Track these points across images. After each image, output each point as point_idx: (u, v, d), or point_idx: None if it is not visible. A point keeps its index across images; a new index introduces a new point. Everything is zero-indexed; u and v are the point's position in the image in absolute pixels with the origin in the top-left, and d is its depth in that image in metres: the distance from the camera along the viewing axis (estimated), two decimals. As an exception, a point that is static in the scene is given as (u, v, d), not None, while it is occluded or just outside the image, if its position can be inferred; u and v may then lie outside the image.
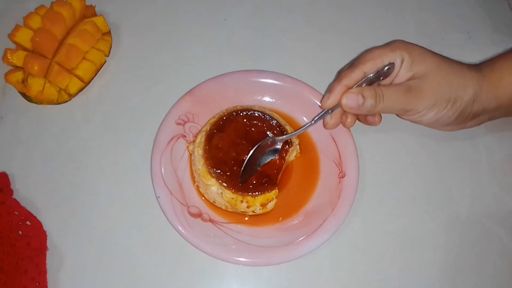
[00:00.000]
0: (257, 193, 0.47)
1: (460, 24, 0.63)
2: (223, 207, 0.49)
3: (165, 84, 0.57)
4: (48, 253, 0.48)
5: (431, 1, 0.64)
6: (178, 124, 0.52)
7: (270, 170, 0.49)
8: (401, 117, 0.51)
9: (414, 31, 0.62)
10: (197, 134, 0.52)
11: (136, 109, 0.56)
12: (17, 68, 0.55)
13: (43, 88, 0.53)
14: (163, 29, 0.61)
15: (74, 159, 0.53)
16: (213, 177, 0.48)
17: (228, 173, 0.48)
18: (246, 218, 0.50)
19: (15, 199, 0.50)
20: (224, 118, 0.51)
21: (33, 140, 0.54)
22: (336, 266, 0.49)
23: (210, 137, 0.50)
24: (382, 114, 0.51)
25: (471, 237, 0.51)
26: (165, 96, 0.55)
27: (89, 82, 0.57)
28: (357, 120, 0.51)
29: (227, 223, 0.49)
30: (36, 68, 0.52)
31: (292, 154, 0.52)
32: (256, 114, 0.51)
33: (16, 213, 0.49)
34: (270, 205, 0.48)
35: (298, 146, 0.52)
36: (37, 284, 0.46)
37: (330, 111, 0.48)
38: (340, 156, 0.51)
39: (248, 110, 0.51)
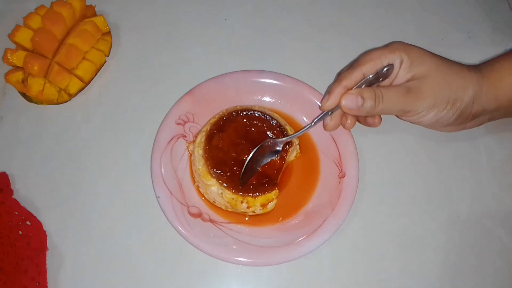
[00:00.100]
0: (257, 193, 0.47)
1: (460, 24, 0.63)
2: (223, 207, 0.49)
3: (165, 84, 0.57)
4: (48, 253, 0.48)
5: (431, 1, 0.64)
6: (178, 124, 0.52)
7: (270, 170, 0.49)
8: (400, 118, 0.51)
9: (414, 31, 0.62)
10: (197, 134, 0.52)
11: (136, 109, 0.56)
12: (17, 68, 0.55)
13: (43, 88, 0.53)
14: (163, 29, 0.61)
15: (74, 159, 0.53)
16: (213, 177, 0.48)
17: (228, 173, 0.48)
18: (246, 218, 0.50)
19: (15, 199, 0.50)
20: (224, 118, 0.51)
21: (33, 140, 0.54)
22: (336, 266, 0.49)
23: (210, 137, 0.50)
24: (382, 115, 0.51)
25: (471, 237, 0.51)
26: (165, 96, 0.55)
27: (89, 82, 0.57)
28: (357, 122, 0.51)
29: (227, 223, 0.49)
30: (36, 68, 0.52)
31: (292, 154, 0.52)
32: (256, 114, 0.51)
33: (16, 213, 0.49)
34: (270, 205, 0.48)
35: (298, 146, 0.52)
36: (37, 284, 0.46)
37: (330, 113, 0.48)
38: (340, 156, 0.51)
39: (248, 110, 0.51)
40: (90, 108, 0.56)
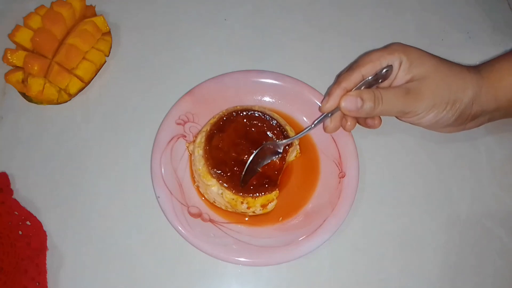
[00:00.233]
0: (257, 194, 0.47)
1: (460, 24, 0.63)
2: (223, 207, 0.49)
3: (165, 84, 0.57)
4: (48, 253, 0.48)
5: (431, 1, 0.64)
6: (178, 124, 0.52)
7: (270, 171, 0.49)
8: (400, 119, 0.51)
9: (414, 31, 0.62)
10: (197, 134, 0.52)
11: (136, 109, 0.56)
12: (17, 68, 0.55)
13: (43, 88, 0.53)
14: (163, 29, 0.61)
15: (74, 159, 0.53)
16: (214, 177, 0.48)
17: (228, 174, 0.48)
18: (246, 218, 0.50)
19: (15, 199, 0.50)
20: (224, 118, 0.51)
21: (33, 140, 0.54)
22: (336, 266, 0.49)
23: (210, 137, 0.50)
24: (381, 117, 0.51)
25: (471, 237, 0.51)
26: (165, 96, 0.55)
27: (89, 82, 0.57)
28: (357, 123, 0.51)
29: (227, 223, 0.49)
30: (36, 68, 0.52)
31: (292, 154, 0.52)
32: (256, 114, 0.51)
33: (16, 213, 0.49)
34: (271, 206, 0.48)
35: (298, 146, 0.52)
36: (37, 284, 0.46)
37: (329, 115, 0.48)
38: (340, 156, 0.51)
39: (248, 110, 0.51)
40: (90, 108, 0.56)
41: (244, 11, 0.62)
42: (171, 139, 0.52)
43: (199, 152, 0.49)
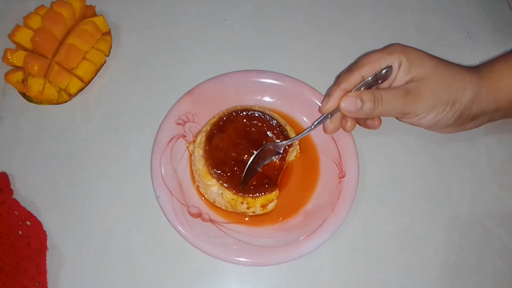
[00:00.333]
0: (257, 194, 0.47)
1: (460, 24, 0.63)
2: (223, 207, 0.49)
3: (165, 84, 0.57)
4: (48, 253, 0.48)
5: (431, 1, 0.64)
6: (178, 124, 0.52)
7: (270, 171, 0.49)
8: (400, 120, 0.51)
9: (414, 31, 0.62)
10: (197, 134, 0.52)
11: (136, 109, 0.56)
12: (17, 68, 0.55)
13: (43, 88, 0.53)
14: (163, 29, 0.61)
15: (74, 159, 0.53)
16: (214, 177, 0.48)
17: (228, 174, 0.48)
18: (246, 218, 0.50)
19: (15, 199, 0.50)
20: (224, 118, 0.51)
21: (33, 140, 0.54)
22: (336, 266, 0.49)
23: (210, 137, 0.50)
24: (381, 117, 0.51)
25: (471, 237, 0.51)
26: (165, 96, 0.55)
27: (89, 82, 0.57)
28: (357, 124, 0.51)
29: (227, 223, 0.49)
30: (36, 68, 0.52)
31: (292, 154, 0.52)
32: (256, 114, 0.51)
33: (16, 213, 0.49)
34: (271, 206, 0.48)
35: (298, 146, 0.52)
36: (37, 284, 0.46)
37: (329, 116, 0.48)
38: (340, 156, 0.51)
39: (248, 110, 0.51)
40: (90, 108, 0.56)
41: (244, 11, 0.62)
42: (171, 139, 0.52)
43: (199, 152, 0.49)
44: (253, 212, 0.49)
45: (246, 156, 0.49)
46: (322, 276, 0.49)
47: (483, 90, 0.47)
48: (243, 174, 0.47)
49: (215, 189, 0.48)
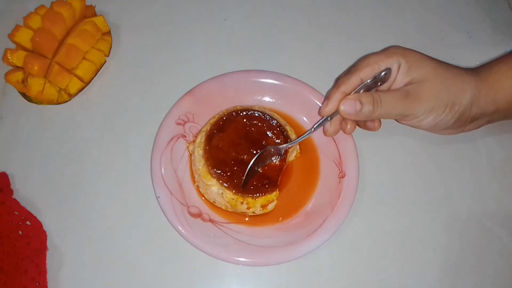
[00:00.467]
0: (257, 194, 0.47)
1: (460, 24, 0.63)
2: (223, 207, 0.49)
3: (165, 84, 0.57)
4: (48, 253, 0.48)
5: (431, 1, 0.64)
6: (178, 124, 0.52)
7: (270, 171, 0.49)
8: (400, 122, 0.51)
9: (414, 31, 0.62)
10: (197, 134, 0.52)
11: (136, 109, 0.56)
12: (17, 68, 0.55)
13: (43, 88, 0.53)
14: (163, 29, 0.61)
15: (74, 159, 0.53)
16: (214, 177, 0.48)
17: (228, 173, 0.48)
18: (246, 218, 0.50)
19: (15, 199, 0.50)
20: (224, 118, 0.51)
21: (33, 140, 0.54)
22: (336, 266, 0.49)
23: (210, 137, 0.50)
24: (381, 119, 0.51)
25: (471, 237, 0.51)
26: (165, 96, 0.55)
27: (89, 82, 0.57)
28: (357, 126, 0.51)
29: (227, 223, 0.49)
30: (36, 68, 0.52)
31: (292, 154, 0.52)
32: (256, 114, 0.51)
33: (16, 213, 0.49)
34: (271, 206, 0.48)
35: (298, 146, 0.52)
36: (37, 284, 0.46)
37: (329, 118, 0.48)
38: (340, 156, 0.51)
39: (248, 110, 0.51)
40: (90, 108, 0.56)
41: (244, 11, 0.62)
42: (171, 139, 0.52)
43: (199, 152, 0.49)
44: (253, 212, 0.49)
45: (246, 156, 0.49)
46: (322, 276, 0.49)
47: (482, 91, 0.47)
48: (244, 177, 0.47)
49: (215, 189, 0.48)
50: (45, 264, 0.47)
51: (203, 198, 0.50)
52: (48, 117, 0.55)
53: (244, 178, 0.47)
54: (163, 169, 0.50)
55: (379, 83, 0.48)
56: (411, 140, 0.55)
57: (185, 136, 0.53)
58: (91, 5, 0.60)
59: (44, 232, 0.48)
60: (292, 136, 0.52)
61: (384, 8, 0.64)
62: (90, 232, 0.50)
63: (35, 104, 0.55)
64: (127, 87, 0.57)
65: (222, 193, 0.48)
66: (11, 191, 0.50)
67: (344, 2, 0.64)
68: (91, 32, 0.55)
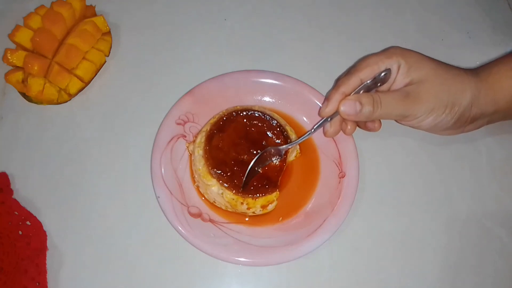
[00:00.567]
0: (258, 195, 0.47)
1: (460, 24, 0.63)
2: (223, 207, 0.49)
3: (165, 84, 0.57)
4: (48, 253, 0.48)
5: (431, 1, 0.64)
6: (178, 124, 0.52)
7: (271, 172, 0.49)
8: (400, 123, 0.51)
9: (414, 31, 0.62)
10: (197, 134, 0.52)
11: (136, 109, 0.56)
12: (17, 68, 0.55)
13: (43, 88, 0.53)
14: (163, 29, 0.61)
15: (74, 159, 0.53)
16: (214, 177, 0.48)
17: (228, 173, 0.48)
18: (246, 219, 0.50)
19: (15, 199, 0.50)
20: (224, 118, 0.51)
21: (33, 140, 0.54)
22: (336, 266, 0.49)
23: (210, 137, 0.50)
24: (381, 120, 0.51)
25: (471, 237, 0.51)
26: (165, 96, 0.55)
27: (89, 82, 0.57)
28: (357, 127, 0.51)
29: (227, 223, 0.49)
30: (36, 68, 0.52)
31: (292, 154, 0.52)
32: (256, 114, 0.51)
33: (16, 213, 0.49)
34: (271, 207, 0.48)
35: (298, 146, 0.52)
36: (37, 284, 0.46)
37: (329, 119, 0.48)
38: (340, 156, 0.51)
39: (248, 110, 0.51)
40: (90, 108, 0.56)
41: (244, 11, 0.62)
42: (171, 139, 0.52)
43: (199, 152, 0.49)
44: (253, 212, 0.49)
45: (246, 156, 0.49)
46: (322, 276, 0.49)
47: (482, 92, 0.47)
48: (244, 178, 0.47)
49: (215, 189, 0.48)
50: (45, 264, 0.47)
51: (203, 198, 0.50)
52: (48, 117, 0.55)
53: (244, 179, 0.47)
54: (163, 169, 0.50)
55: (379, 84, 0.48)
56: (411, 141, 0.55)
57: (185, 136, 0.53)
58: (91, 5, 0.60)
59: (44, 232, 0.48)
60: (292, 136, 0.52)
61: (384, 8, 0.64)
62: (90, 232, 0.50)
63: (35, 104, 0.55)
64: (127, 87, 0.57)
65: (222, 193, 0.48)
66: (11, 191, 0.50)
67: (344, 2, 0.64)
68: (91, 32, 0.55)
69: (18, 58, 0.54)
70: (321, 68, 0.58)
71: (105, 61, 0.58)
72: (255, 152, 0.49)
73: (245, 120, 0.51)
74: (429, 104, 0.46)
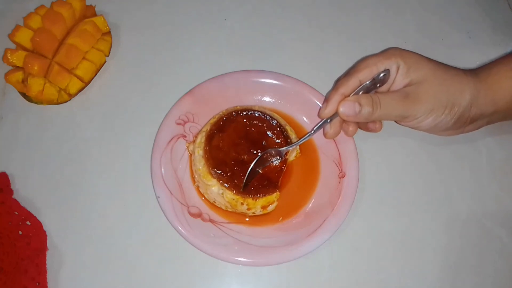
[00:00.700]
0: (258, 195, 0.47)
1: (460, 24, 0.63)
2: (223, 207, 0.49)
3: (165, 84, 0.57)
4: (48, 253, 0.48)
5: (431, 1, 0.64)
6: (178, 124, 0.52)
7: (271, 173, 0.49)
8: (399, 124, 0.51)
9: (414, 31, 0.62)
10: (197, 134, 0.52)
11: (136, 109, 0.56)
12: (17, 68, 0.55)
13: (43, 88, 0.53)
14: (163, 29, 0.61)
15: (74, 159, 0.53)
16: (214, 177, 0.48)
17: (228, 174, 0.48)
18: (247, 219, 0.50)
19: (15, 199, 0.50)
20: (224, 118, 0.51)
21: (33, 140, 0.54)
22: (336, 266, 0.49)
23: (210, 138, 0.50)
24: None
25: (471, 237, 0.51)
26: (165, 96, 0.55)
27: (89, 82, 0.57)
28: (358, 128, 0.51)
29: (227, 223, 0.49)
30: (36, 68, 0.52)
31: (292, 154, 0.52)
32: (256, 114, 0.51)
33: (16, 213, 0.49)
34: (271, 208, 0.48)
35: (298, 146, 0.52)
36: (37, 284, 0.46)
37: (329, 120, 0.48)
38: (340, 156, 0.51)
39: (248, 110, 0.51)
40: (90, 108, 0.56)
41: (244, 11, 0.62)
42: (171, 139, 0.52)
43: (199, 152, 0.49)
44: (253, 213, 0.49)
45: (246, 156, 0.49)
46: (322, 276, 0.49)
47: (482, 92, 0.47)
48: (244, 179, 0.47)
49: (215, 189, 0.48)
50: (45, 264, 0.47)
51: (203, 198, 0.50)
52: (48, 117, 0.55)
53: (244, 180, 0.47)
54: (163, 169, 0.50)
55: (378, 85, 0.48)
56: (411, 141, 0.55)
57: (185, 136, 0.53)
58: (91, 5, 0.60)
59: (44, 232, 0.48)
60: (292, 136, 0.52)
61: (384, 8, 0.64)
62: (90, 232, 0.50)
63: (35, 104, 0.55)
64: (127, 87, 0.57)
65: (222, 193, 0.48)
66: (11, 191, 0.50)
67: (344, 2, 0.64)
68: (91, 32, 0.55)
69: (18, 58, 0.54)
70: (321, 68, 0.58)
71: (105, 61, 0.58)
72: (255, 152, 0.49)
73: (245, 120, 0.51)
74: (428, 105, 0.46)
